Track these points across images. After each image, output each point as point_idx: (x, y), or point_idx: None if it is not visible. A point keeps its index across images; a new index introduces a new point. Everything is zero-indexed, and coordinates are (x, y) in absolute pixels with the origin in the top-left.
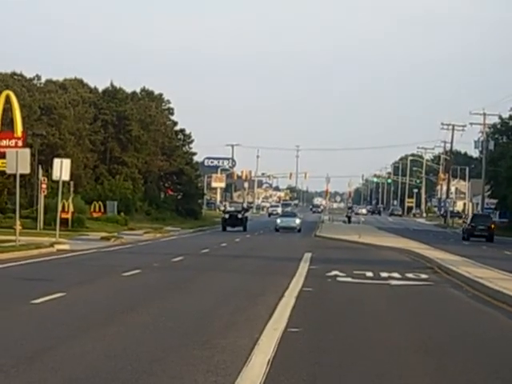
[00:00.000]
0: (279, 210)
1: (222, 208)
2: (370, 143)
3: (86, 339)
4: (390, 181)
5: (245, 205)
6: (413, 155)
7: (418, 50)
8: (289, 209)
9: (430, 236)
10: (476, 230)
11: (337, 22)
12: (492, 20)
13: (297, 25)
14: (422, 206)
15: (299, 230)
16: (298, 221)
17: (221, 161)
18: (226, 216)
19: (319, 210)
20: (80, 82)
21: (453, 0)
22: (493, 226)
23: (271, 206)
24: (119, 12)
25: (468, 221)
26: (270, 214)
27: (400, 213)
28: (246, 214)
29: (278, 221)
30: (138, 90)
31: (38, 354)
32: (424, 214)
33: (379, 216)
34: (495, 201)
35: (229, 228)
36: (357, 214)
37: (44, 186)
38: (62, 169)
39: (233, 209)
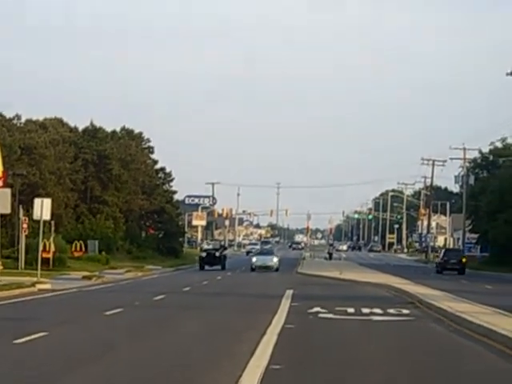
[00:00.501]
0: (258, 248)
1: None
2: (350, 179)
3: (69, 379)
4: (370, 217)
5: (223, 242)
6: (393, 191)
7: (395, 84)
8: (268, 246)
9: (410, 271)
10: (448, 264)
11: (319, 51)
12: (472, 52)
13: (274, 51)
14: (403, 242)
15: (277, 270)
16: (275, 259)
17: (201, 199)
18: (204, 254)
19: (299, 246)
20: (60, 121)
21: (427, 35)
22: (464, 259)
23: (249, 244)
24: (98, 51)
25: (441, 255)
26: (248, 253)
27: (379, 249)
28: (225, 252)
29: (254, 259)
30: (118, 129)
31: None
32: (405, 250)
33: (360, 252)
34: (476, 235)
35: (207, 267)
36: (338, 250)
37: (25, 225)
38: (42, 208)
39: (211, 247)
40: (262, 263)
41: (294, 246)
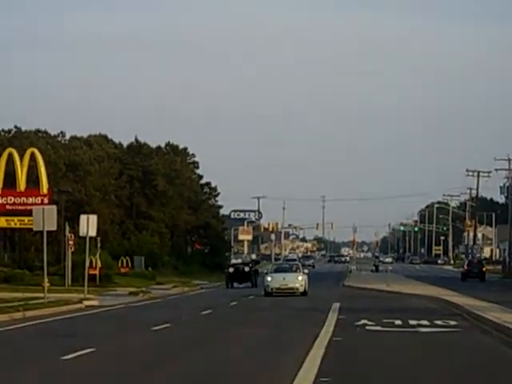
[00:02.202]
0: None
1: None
2: (396, 192)
3: None
4: (416, 229)
5: (255, 256)
6: (439, 203)
7: (442, 99)
8: (310, 261)
9: (457, 283)
10: (471, 273)
11: (360, 71)
12: None
13: (320, 82)
14: (450, 253)
15: (304, 293)
16: (300, 278)
17: (247, 213)
18: (231, 270)
19: (343, 259)
20: (104, 137)
21: (478, 51)
22: (484, 268)
23: (286, 260)
24: (141, 66)
25: (465, 266)
26: None
27: (418, 261)
28: (257, 267)
29: (269, 279)
30: (162, 145)
31: None
32: (452, 261)
33: (402, 263)
34: None
35: (235, 284)
36: (383, 262)
37: (71, 242)
38: (88, 225)
39: (239, 261)
40: (281, 284)
41: (337, 259)
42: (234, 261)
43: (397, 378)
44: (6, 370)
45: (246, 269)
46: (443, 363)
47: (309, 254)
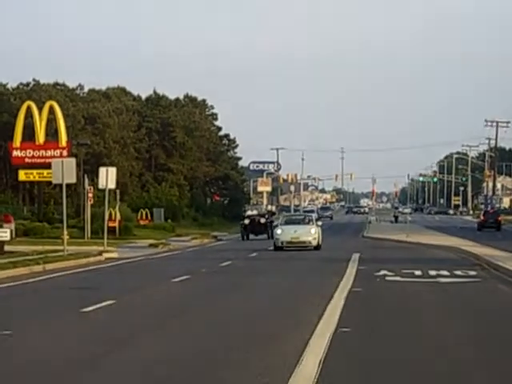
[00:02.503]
0: (314, 216)
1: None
2: (415, 142)
3: (136, 346)
4: (435, 179)
5: (270, 207)
6: (458, 153)
7: (460, 47)
8: (328, 213)
9: (477, 233)
10: (487, 223)
11: (374, 19)
12: None
13: (336, 30)
14: (469, 204)
15: (317, 247)
16: (313, 230)
17: (266, 165)
18: (247, 222)
19: (362, 210)
20: (123, 90)
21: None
22: (500, 218)
23: (305, 211)
24: (159, 19)
25: (481, 216)
26: None
27: (433, 211)
28: (272, 219)
29: (278, 231)
30: (181, 97)
31: (88, 361)
32: (471, 212)
33: (422, 213)
34: None
35: (251, 236)
36: (402, 213)
37: (90, 195)
38: (107, 177)
39: (255, 212)
40: (293, 237)
41: (355, 210)
42: (249, 212)
43: (418, 327)
44: (24, 322)
45: (262, 220)
46: (462, 312)
47: (327, 205)
